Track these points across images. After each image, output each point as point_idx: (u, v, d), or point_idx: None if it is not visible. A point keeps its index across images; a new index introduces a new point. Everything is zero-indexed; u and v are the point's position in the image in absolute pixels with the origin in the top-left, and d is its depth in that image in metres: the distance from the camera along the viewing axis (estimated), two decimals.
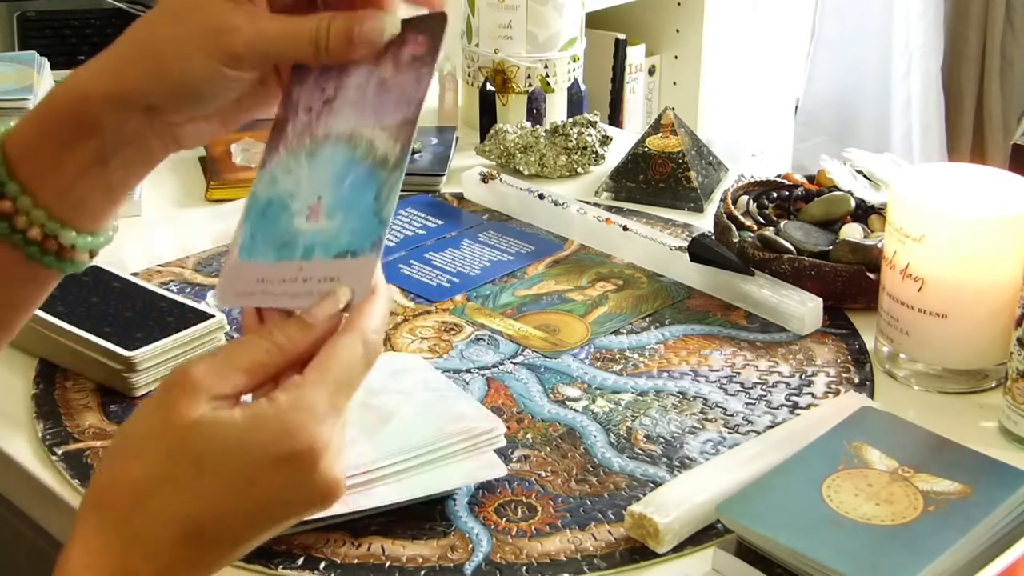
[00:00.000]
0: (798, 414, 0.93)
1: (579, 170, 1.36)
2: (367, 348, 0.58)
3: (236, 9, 0.61)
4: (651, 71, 2.29)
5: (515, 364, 1.00)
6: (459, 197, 1.31)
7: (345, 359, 0.57)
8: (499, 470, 0.85)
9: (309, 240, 0.61)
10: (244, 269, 0.63)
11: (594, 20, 2.02)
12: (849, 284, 1.06)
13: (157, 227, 1.22)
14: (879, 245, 1.04)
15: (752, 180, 1.20)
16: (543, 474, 0.87)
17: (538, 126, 1.38)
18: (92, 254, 0.67)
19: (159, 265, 1.14)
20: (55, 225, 0.64)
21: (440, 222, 1.26)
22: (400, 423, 0.84)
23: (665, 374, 0.99)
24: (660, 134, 1.31)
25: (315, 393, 0.56)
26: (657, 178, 1.29)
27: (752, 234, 1.11)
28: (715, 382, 0.98)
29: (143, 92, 0.62)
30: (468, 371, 0.99)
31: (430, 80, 0.61)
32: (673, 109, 1.35)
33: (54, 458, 0.88)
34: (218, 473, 0.55)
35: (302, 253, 0.61)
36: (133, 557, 0.54)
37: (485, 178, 1.29)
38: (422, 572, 0.78)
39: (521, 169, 1.35)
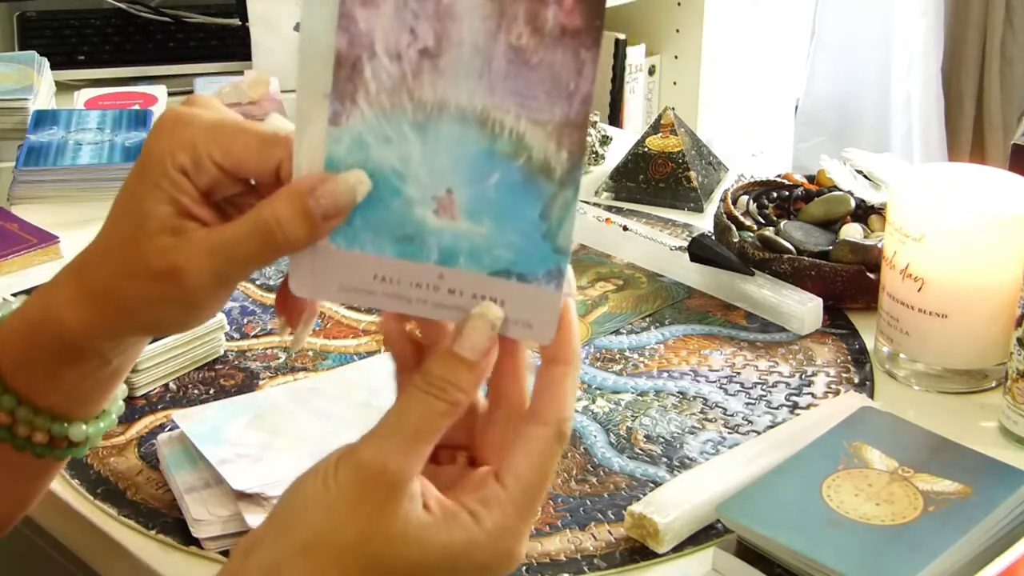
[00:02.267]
0: (798, 414, 0.93)
1: None
2: (562, 442, 0.54)
3: (173, 243, 0.55)
4: (651, 71, 2.29)
5: None
6: None
7: (544, 462, 0.53)
8: None
9: (447, 241, 0.53)
10: (346, 259, 0.54)
11: None
12: (849, 284, 1.05)
13: None
14: (879, 245, 1.04)
15: (752, 180, 1.20)
16: None
17: None
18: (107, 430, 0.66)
19: None
20: (61, 427, 0.62)
21: None
22: None
23: (665, 374, 0.99)
24: (660, 134, 1.31)
25: (521, 513, 0.53)
26: (657, 178, 1.29)
27: (752, 234, 1.11)
28: (715, 382, 0.98)
29: (123, 329, 0.59)
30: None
31: (594, 70, 0.51)
32: (673, 109, 1.35)
33: None
34: None
35: (439, 256, 0.53)
36: None
37: None
38: None
39: None
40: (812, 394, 0.96)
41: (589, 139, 1.35)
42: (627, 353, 1.02)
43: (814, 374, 0.99)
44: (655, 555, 0.79)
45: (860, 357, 1.01)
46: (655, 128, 1.32)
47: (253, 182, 0.57)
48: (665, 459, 0.89)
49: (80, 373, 0.61)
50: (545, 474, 0.54)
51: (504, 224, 0.52)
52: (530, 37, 0.50)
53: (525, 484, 0.53)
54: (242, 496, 0.78)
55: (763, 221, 1.14)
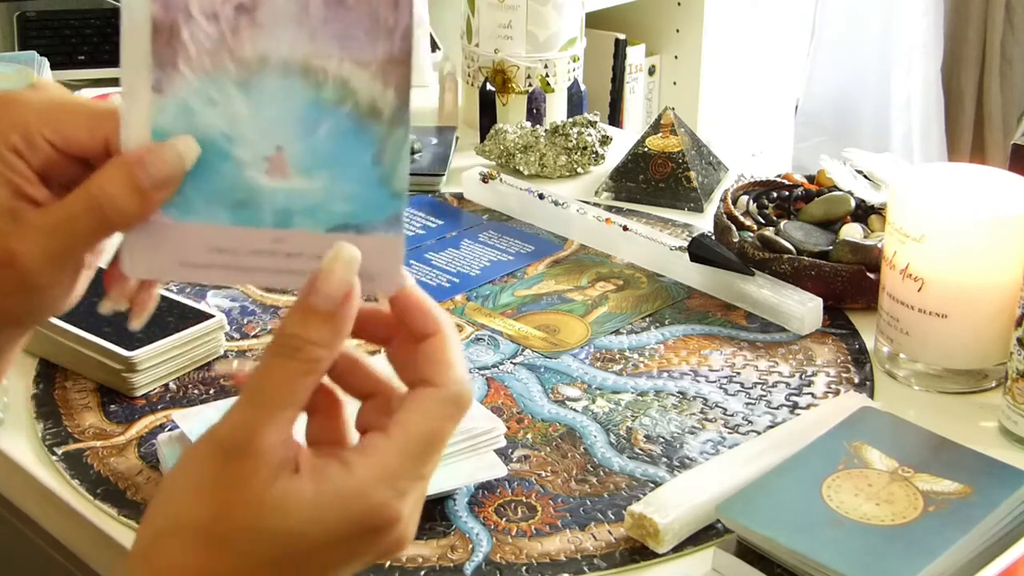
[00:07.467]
0: (798, 414, 0.93)
1: (579, 170, 1.36)
2: (459, 406, 0.51)
3: (10, 228, 0.53)
4: (651, 71, 2.29)
5: (515, 364, 1.00)
6: (459, 197, 1.31)
7: (438, 422, 0.50)
8: (499, 470, 0.85)
9: (281, 203, 0.52)
10: (181, 232, 0.53)
11: (594, 20, 2.02)
12: (849, 284, 1.05)
13: None
14: (879, 245, 1.04)
15: (752, 180, 1.20)
16: (543, 474, 0.87)
17: (538, 126, 1.38)
18: None
19: None
20: None
21: (440, 222, 1.26)
22: None
23: (665, 374, 0.99)
24: (660, 134, 1.31)
25: (400, 463, 0.50)
26: (657, 178, 1.29)
27: (752, 234, 1.11)
28: (715, 382, 0.98)
29: None
30: (468, 371, 0.99)
31: (411, 3, 0.50)
32: (673, 109, 1.35)
33: (54, 458, 0.88)
34: (295, 553, 0.49)
35: (275, 219, 0.52)
36: None
37: (485, 178, 1.29)
38: (422, 572, 0.78)
39: (521, 169, 1.35)
40: (812, 394, 0.96)
41: (589, 139, 1.35)
42: (627, 353, 1.02)
43: (814, 374, 0.99)
44: (655, 555, 0.79)
45: (860, 357, 1.01)
46: (655, 128, 1.32)
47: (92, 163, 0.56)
48: (665, 459, 0.89)
49: None
50: (438, 434, 0.51)
51: (338, 176, 0.51)
52: None
53: (414, 436, 0.50)
54: None
55: (763, 221, 1.14)
